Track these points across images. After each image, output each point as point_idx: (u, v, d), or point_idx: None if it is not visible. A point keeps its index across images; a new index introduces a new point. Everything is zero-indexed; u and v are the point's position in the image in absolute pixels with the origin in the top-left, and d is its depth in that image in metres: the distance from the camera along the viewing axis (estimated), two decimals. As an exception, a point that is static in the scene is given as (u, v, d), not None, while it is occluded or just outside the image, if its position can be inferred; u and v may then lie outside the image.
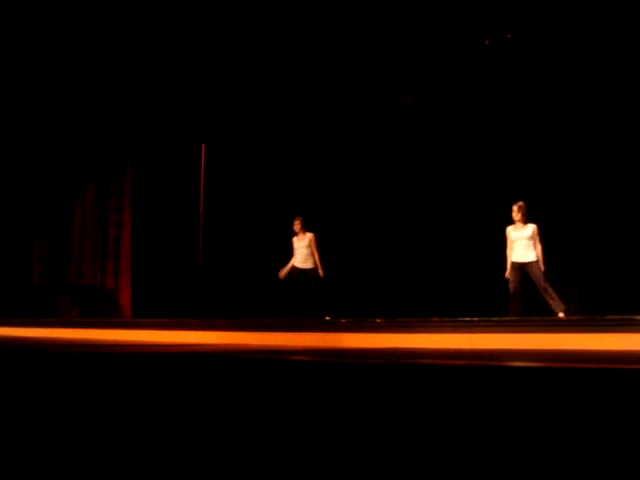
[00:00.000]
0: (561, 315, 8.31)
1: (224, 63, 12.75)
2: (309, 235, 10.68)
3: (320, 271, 10.50)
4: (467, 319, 7.54)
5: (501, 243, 9.30)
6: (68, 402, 3.94)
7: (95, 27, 12.02)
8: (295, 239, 10.78)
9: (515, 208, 9.02)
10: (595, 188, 10.92)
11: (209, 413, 3.45)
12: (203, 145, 15.08)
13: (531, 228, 8.97)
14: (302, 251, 10.65)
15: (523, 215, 9.02)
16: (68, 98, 14.17)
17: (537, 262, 8.86)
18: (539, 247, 8.95)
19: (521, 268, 8.91)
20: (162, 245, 15.26)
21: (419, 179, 12.66)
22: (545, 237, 9.18)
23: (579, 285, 11.14)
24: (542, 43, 11.03)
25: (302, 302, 10.52)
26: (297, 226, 10.75)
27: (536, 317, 8.28)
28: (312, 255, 10.61)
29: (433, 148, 12.57)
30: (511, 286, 8.86)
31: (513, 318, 8.08)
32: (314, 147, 13.69)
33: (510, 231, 9.09)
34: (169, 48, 12.41)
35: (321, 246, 10.80)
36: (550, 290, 8.60)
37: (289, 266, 10.66)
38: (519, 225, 9.03)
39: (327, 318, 9.92)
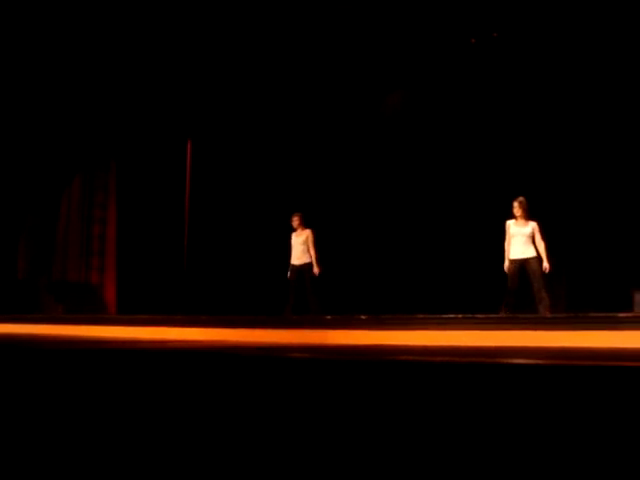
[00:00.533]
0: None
1: (210, 57, 12.71)
2: (307, 231, 10.67)
3: (315, 268, 10.46)
4: (452, 316, 7.56)
5: (487, 241, 9.33)
6: (52, 398, 3.92)
7: (80, 23, 11.96)
8: (293, 235, 10.77)
9: (516, 204, 8.98)
10: (582, 187, 10.97)
11: (193, 410, 3.45)
12: (189, 140, 15.04)
13: (531, 226, 8.94)
14: (298, 247, 10.64)
15: (524, 211, 8.98)
16: (53, 93, 14.09)
17: (536, 258, 8.83)
18: (542, 244, 8.90)
19: (520, 264, 8.89)
20: (147, 241, 15.20)
21: (407, 175, 12.68)
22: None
23: (565, 283, 11.18)
24: (528, 42, 11.07)
25: (298, 300, 10.50)
26: (295, 222, 10.74)
27: (521, 314, 8.30)
28: (308, 251, 10.59)
29: (420, 145, 12.60)
30: (509, 281, 8.86)
31: (497, 315, 8.10)
32: (301, 142, 13.68)
33: (510, 225, 9.04)
34: (153, 43, 12.36)
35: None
36: (544, 294, 8.61)
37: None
38: (520, 221, 9.00)
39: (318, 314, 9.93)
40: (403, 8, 11.10)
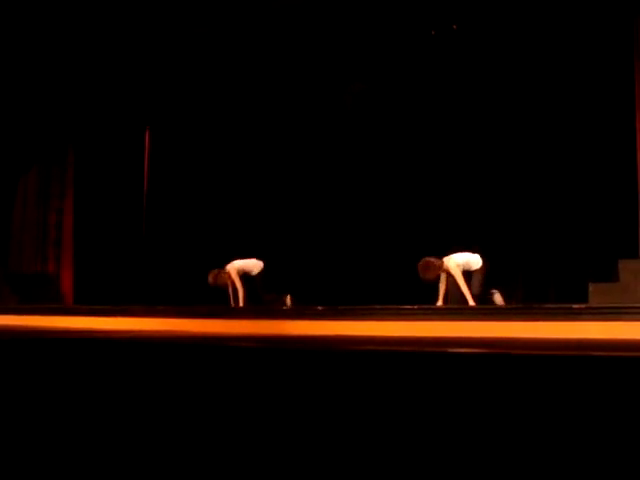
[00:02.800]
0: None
1: (167, 44, 12.58)
2: None
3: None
4: (409, 307, 7.60)
5: (442, 232, 9.41)
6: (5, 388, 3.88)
7: (35, 11, 11.77)
8: None
9: None
10: (536, 179, 11.09)
11: (145, 400, 3.43)
12: (147, 129, 14.93)
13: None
14: None
15: None
16: (8, 80, 13.86)
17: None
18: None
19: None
20: (105, 231, 15.06)
21: (366, 165, 12.72)
22: (492, 233, 9.36)
23: (522, 279, 11.33)
24: (487, 34, 11.17)
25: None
26: None
27: (478, 306, 8.38)
28: None
29: (380, 136, 12.65)
30: None
31: (455, 306, 8.18)
32: (262, 130, 13.65)
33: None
34: (110, 31, 12.20)
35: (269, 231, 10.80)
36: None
37: None
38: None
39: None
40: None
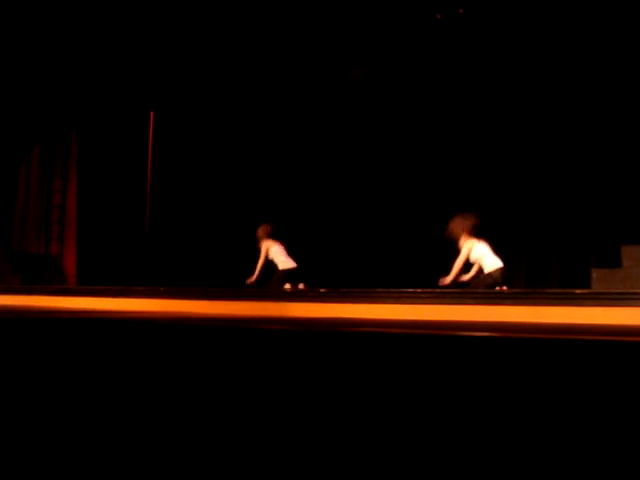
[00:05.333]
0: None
1: (173, 26, 12.55)
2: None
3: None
4: (411, 290, 7.60)
5: (446, 217, 9.42)
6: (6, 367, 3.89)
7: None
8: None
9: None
10: (542, 164, 11.08)
11: (149, 381, 3.44)
12: (152, 112, 14.92)
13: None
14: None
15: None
16: (13, 60, 13.83)
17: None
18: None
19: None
20: (108, 212, 15.10)
21: (370, 150, 12.72)
22: (494, 218, 9.36)
23: (525, 262, 11.33)
24: (494, 19, 11.12)
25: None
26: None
27: (479, 290, 8.38)
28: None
29: (383, 120, 12.63)
30: None
31: (456, 290, 8.18)
32: (265, 115, 13.64)
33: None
34: (116, 12, 12.17)
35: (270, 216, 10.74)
36: None
37: None
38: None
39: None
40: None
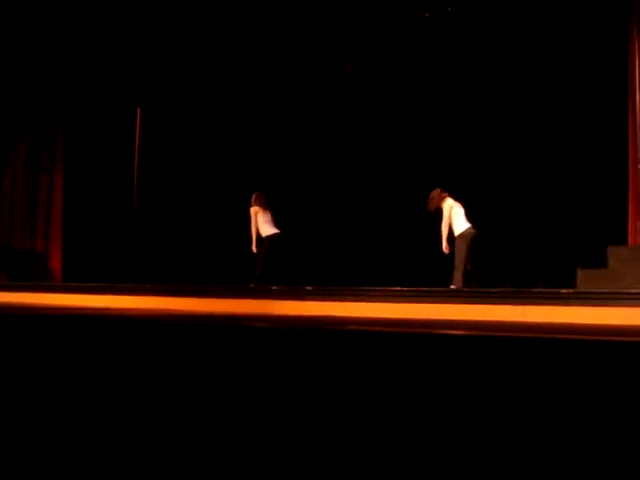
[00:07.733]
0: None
1: (161, 24, 12.50)
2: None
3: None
4: (397, 289, 7.61)
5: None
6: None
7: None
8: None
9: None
10: (528, 164, 11.11)
11: (134, 379, 3.43)
12: (138, 109, 14.87)
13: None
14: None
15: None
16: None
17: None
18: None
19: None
20: (94, 209, 15.03)
21: (356, 147, 12.72)
22: (481, 218, 9.41)
23: (510, 264, 11.37)
24: (482, 17, 11.14)
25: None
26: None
27: (465, 289, 8.40)
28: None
29: (371, 117, 12.64)
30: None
31: (442, 289, 8.19)
32: (255, 109, 13.61)
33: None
34: (104, 9, 12.11)
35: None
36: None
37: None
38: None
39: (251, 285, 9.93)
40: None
